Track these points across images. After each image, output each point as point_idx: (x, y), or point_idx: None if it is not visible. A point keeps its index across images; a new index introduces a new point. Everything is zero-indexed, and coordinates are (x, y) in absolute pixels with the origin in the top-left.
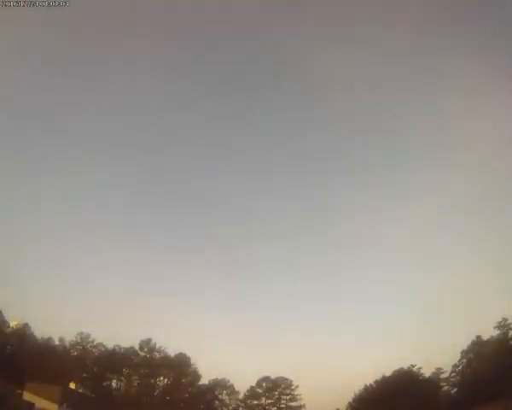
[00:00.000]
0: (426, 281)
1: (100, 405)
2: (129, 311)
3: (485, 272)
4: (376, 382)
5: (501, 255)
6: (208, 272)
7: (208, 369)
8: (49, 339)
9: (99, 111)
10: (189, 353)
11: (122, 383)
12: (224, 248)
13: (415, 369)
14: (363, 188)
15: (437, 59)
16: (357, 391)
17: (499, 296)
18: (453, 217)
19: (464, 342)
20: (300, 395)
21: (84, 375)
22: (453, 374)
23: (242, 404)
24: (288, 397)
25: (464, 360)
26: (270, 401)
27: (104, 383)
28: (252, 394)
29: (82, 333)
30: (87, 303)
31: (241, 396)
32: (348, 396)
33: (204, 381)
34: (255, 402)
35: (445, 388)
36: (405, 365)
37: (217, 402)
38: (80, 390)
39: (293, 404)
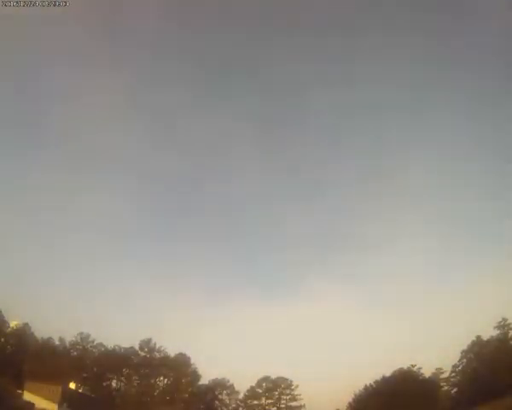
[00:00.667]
0: (426, 281)
1: (100, 405)
2: (129, 311)
3: (485, 273)
4: (376, 382)
5: (501, 255)
6: (209, 272)
7: (208, 369)
8: (49, 339)
9: (99, 112)
10: (188, 353)
11: (122, 383)
12: (225, 248)
13: (415, 369)
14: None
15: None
16: (357, 391)
17: (499, 296)
18: (453, 216)
19: (464, 342)
20: (300, 395)
21: (84, 375)
22: (453, 374)
23: (242, 404)
24: (287, 397)
25: (464, 360)
26: (270, 401)
27: (104, 383)
28: (252, 394)
29: (82, 333)
30: (87, 303)
31: (241, 396)
32: (348, 396)
33: (204, 381)
34: (255, 402)
35: (445, 388)
36: (405, 365)
37: (217, 402)
38: (80, 390)
39: (293, 404)
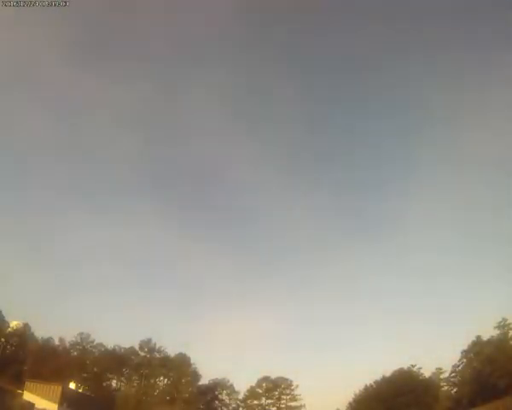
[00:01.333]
0: (426, 281)
1: (100, 405)
2: (129, 311)
3: (485, 272)
4: (376, 382)
5: (501, 255)
6: (209, 273)
7: (208, 369)
8: (49, 339)
9: (99, 111)
10: (188, 353)
11: (122, 383)
12: (225, 249)
13: (415, 369)
14: None
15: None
16: (357, 391)
17: (499, 296)
18: (453, 217)
19: (464, 342)
20: (300, 395)
21: (84, 375)
22: (453, 374)
23: (242, 404)
24: (288, 397)
25: (464, 360)
26: (270, 401)
27: (104, 383)
28: (252, 394)
29: (82, 333)
30: (87, 303)
31: (241, 396)
32: (348, 396)
33: (204, 381)
34: (255, 402)
35: (445, 388)
36: (405, 365)
37: (217, 402)
38: (80, 390)
39: (293, 404)
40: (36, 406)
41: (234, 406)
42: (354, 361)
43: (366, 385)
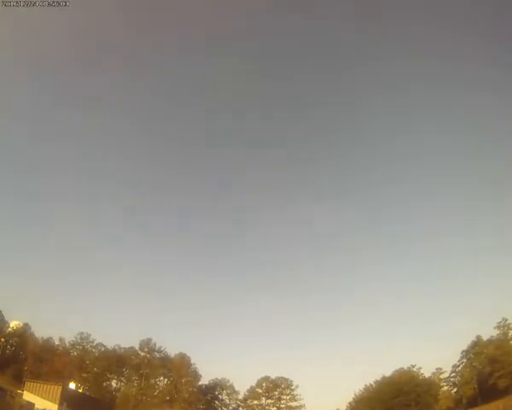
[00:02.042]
0: (426, 281)
1: (100, 405)
2: (129, 311)
3: (485, 272)
4: (376, 382)
5: (501, 255)
6: (210, 272)
7: (208, 369)
8: (49, 339)
9: (98, 112)
10: (189, 353)
11: (122, 383)
12: (225, 250)
13: (415, 369)
14: None
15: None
16: (357, 391)
17: (499, 296)
18: (453, 216)
19: (464, 342)
20: (300, 395)
21: (84, 375)
22: (453, 374)
23: (242, 404)
24: (287, 397)
25: (464, 360)
26: (270, 401)
27: (104, 383)
28: (252, 394)
29: (82, 333)
30: (87, 303)
31: (241, 396)
32: (348, 396)
33: (204, 381)
34: (255, 402)
35: (445, 388)
36: (405, 365)
37: (217, 402)
38: (80, 390)
39: (293, 404)
40: (36, 406)
41: (234, 406)
42: (354, 361)
43: (366, 385)
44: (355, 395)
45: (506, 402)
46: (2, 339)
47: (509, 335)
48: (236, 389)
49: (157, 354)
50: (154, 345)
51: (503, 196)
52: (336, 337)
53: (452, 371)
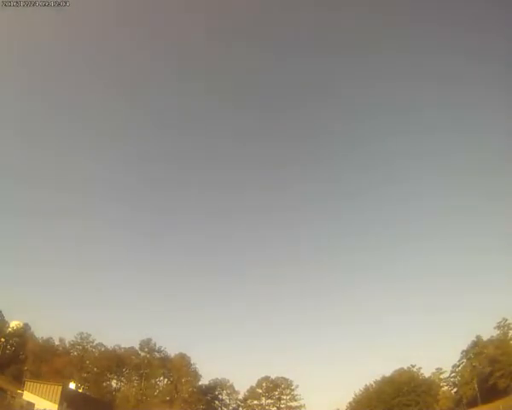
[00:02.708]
0: (425, 281)
1: (100, 405)
2: (129, 311)
3: (485, 272)
4: (376, 382)
5: (501, 255)
6: (210, 272)
7: (208, 369)
8: (49, 339)
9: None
10: (188, 353)
11: (122, 383)
12: (226, 250)
13: (415, 369)
14: None
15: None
16: (357, 391)
17: (499, 296)
18: (453, 216)
19: (464, 342)
20: (300, 395)
21: (84, 375)
22: (453, 374)
23: (242, 404)
24: (287, 397)
25: (464, 360)
26: (270, 401)
27: (104, 383)
28: (252, 394)
29: (82, 333)
30: (87, 303)
31: (241, 396)
32: (348, 396)
33: (204, 381)
34: (255, 402)
35: (445, 388)
36: (405, 365)
37: (217, 402)
38: (80, 390)
39: (293, 404)
40: (36, 406)
41: (234, 406)
42: (354, 361)
43: (366, 385)
44: (355, 395)
45: (506, 402)
46: (2, 339)
47: (509, 335)
48: (236, 389)
49: (157, 354)
50: (154, 345)
51: (503, 196)
52: (336, 337)
53: (452, 371)
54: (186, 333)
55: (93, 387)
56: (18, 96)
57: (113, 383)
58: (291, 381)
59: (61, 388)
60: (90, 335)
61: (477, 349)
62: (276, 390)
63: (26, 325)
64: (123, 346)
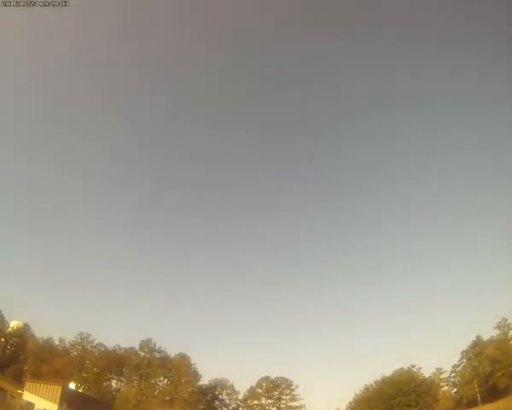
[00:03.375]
0: (426, 281)
1: (100, 405)
2: (129, 311)
3: (485, 273)
4: (376, 382)
5: (501, 255)
6: (210, 272)
7: (208, 369)
8: (49, 339)
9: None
10: (188, 353)
11: (122, 383)
12: (226, 250)
13: (415, 369)
14: None
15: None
16: (357, 391)
17: (499, 296)
18: (454, 216)
19: (464, 342)
20: (300, 395)
21: (84, 375)
22: (453, 374)
23: (242, 404)
24: (287, 397)
25: (464, 360)
26: (270, 401)
27: (104, 383)
28: (252, 394)
29: (82, 333)
30: (87, 303)
31: (241, 396)
32: (348, 396)
33: (204, 381)
34: (255, 402)
35: (445, 388)
36: (405, 365)
37: (217, 402)
38: (80, 390)
39: (293, 404)
40: (36, 406)
41: (234, 406)
42: (354, 361)
43: (366, 385)
44: (355, 395)
45: (506, 402)
46: (2, 339)
47: (509, 335)
48: (236, 389)
49: (157, 355)
50: (154, 345)
51: (503, 196)
52: (336, 337)
53: (452, 371)
54: (186, 333)
55: (93, 387)
56: (18, 96)
57: (113, 383)
58: (291, 381)
59: (61, 388)
60: (90, 335)
61: (477, 349)
62: (276, 390)
63: (26, 325)
64: (123, 346)
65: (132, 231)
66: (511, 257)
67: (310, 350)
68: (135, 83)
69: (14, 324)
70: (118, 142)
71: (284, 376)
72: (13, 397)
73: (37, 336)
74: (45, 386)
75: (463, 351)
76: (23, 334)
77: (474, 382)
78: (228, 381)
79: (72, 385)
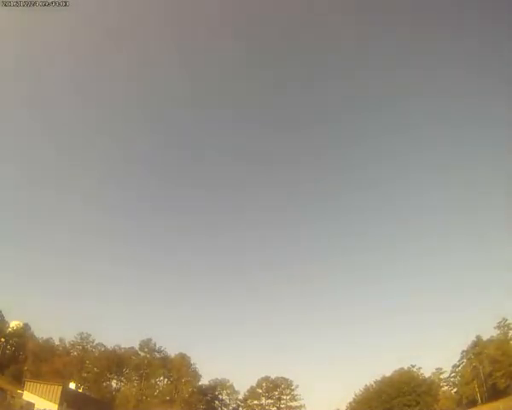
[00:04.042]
0: (426, 281)
1: (100, 405)
2: (129, 311)
3: (485, 272)
4: (376, 382)
5: (501, 255)
6: (210, 272)
7: (208, 369)
8: (49, 339)
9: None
10: (188, 353)
11: (122, 383)
12: (226, 250)
13: (415, 369)
14: None
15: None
16: (357, 391)
17: (499, 296)
18: (453, 216)
19: (464, 342)
20: (300, 395)
21: (84, 375)
22: (453, 374)
23: (242, 404)
24: (287, 397)
25: (464, 360)
26: (270, 401)
27: (104, 383)
28: (252, 394)
29: (82, 333)
30: (87, 303)
31: (241, 396)
32: (348, 396)
33: (204, 381)
34: (255, 402)
35: (445, 388)
36: (405, 365)
37: (217, 402)
38: (80, 390)
39: (293, 404)
40: (36, 406)
41: (234, 406)
42: (354, 361)
43: (366, 385)
44: (355, 396)
45: (506, 402)
46: (2, 339)
47: (509, 335)
48: (236, 389)
49: (157, 355)
50: (154, 345)
51: (503, 195)
52: (336, 337)
53: (452, 371)
54: (186, 333)
55: (93, 387)
56: (17, 96)
57: (113, 383)
58: (291, 381)
59: (61, 388)
60: (90, 335)
61: (477, 349)
62: (276, 390)
63: (26, 325)
64: (123, 346)
65: (132, 231)
66: (511, 257)
67: (310, 350)
68: (135, 83)
69: (14, 324)
70: (117, 141)
71: (284, 376)
72: (13, 397)
73: (37, 336)
74: (45, 386)
75: (463, 351)
76: (23, 334)
77: (474, 382)
78: (228, 381)
79: (72, 385)
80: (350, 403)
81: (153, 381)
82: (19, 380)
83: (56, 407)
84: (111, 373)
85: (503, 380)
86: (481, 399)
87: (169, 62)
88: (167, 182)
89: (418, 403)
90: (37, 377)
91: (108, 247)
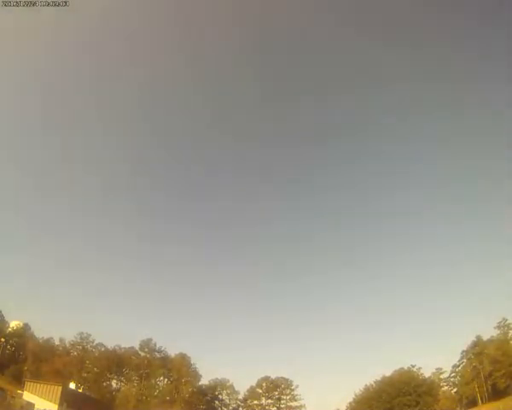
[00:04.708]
0: (426, 281)
1: (100, 405)
2: (129, 311)
3: (485, 273)
4: (376, 382)
5: (501, 255)
6: (210, 272)
7: (208, 369)
8: (49, 339)
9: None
10: (189, 353)
11: (122, 383)
12: (226, 250)
13: (415, 369)
14: None
15: None
16: (357, 391)
17: (499, 296)
18: (453, 217)
19: (464, 342)
20: (300, 395)
21: (84, 375)
22: (453, 374)
23: (242, 404)
24: (287, 397)
25: (464, 360)
26: (270, 401)
27: (104, 383)
28: (252, 394)
29: (82, 333)
30: (87, 303)
31: (241, 396)
32: (348, 396)
33: (204, 381)
34: (255, 402)
35: (445, 388)
36: (405, 365)
37: (217, 402)
38: (80, 390)
39: (293, 404)
40: (36, 406)
41: (234, 406)
42: (354, 361)
43: (366, 385)
44: (355, 395)
45: (506, 402)
46: (2, 339)
47: (509, 335)
48: (236, 389)
49: (157, 355)
50: (155, 345)
51: (503, 196)
52: (336, 337)
53: (452, 371)
54: (186, 333)
55: (93, 387)
56: (17, 96)
57: (113, 383)
58: (291, 381)
59: (61, 388)
60: (90, 335)
61: (477, 349)
62: (276, 390)
63: (26, 325)
64: (123, 346)
65: (133, 232)
66: (511, 257)
67: (310, 350)
68: (135, 83)
69: (14, 324)
70: (117, 141)
71: (284, 376)
72: (13, 397)
73: (37, 336)
74: (45, 386)
75: (463, 351)
76: (23, 334)
77: (474, 382)
78: (228, 381)
79: (72, 385)
80: (350, 403)
81: (153, 381)
82: (19, 380)
83: (56, 407)
84: (111, 373)
85: (503, 380)
86: (481, 399)
87: (169, 62)
88: (166, 185)
89: (418, 403)
90: (37, 377)
91: (108, 247)
